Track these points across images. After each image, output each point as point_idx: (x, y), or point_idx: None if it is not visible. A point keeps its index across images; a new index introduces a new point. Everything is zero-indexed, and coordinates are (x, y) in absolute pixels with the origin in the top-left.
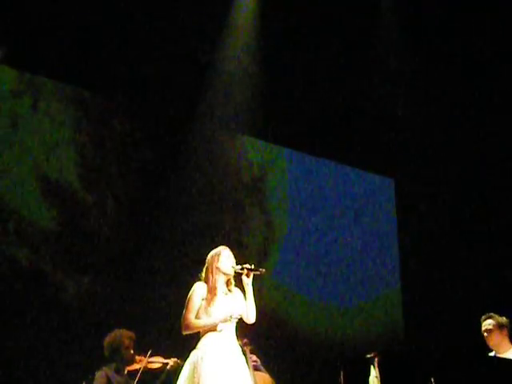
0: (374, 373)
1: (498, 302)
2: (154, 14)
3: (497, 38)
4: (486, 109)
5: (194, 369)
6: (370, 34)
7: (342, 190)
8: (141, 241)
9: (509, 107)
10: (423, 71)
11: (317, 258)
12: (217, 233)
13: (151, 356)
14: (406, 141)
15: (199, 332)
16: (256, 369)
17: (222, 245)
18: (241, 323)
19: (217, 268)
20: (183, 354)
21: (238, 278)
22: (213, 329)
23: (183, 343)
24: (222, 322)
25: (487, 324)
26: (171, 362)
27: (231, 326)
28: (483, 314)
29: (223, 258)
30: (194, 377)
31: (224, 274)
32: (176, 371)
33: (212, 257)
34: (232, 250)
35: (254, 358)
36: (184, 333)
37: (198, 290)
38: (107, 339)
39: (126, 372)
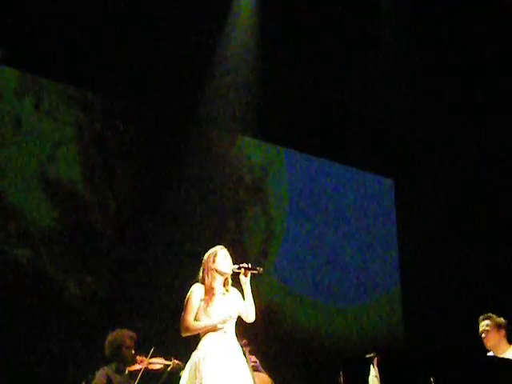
0: (373, 373)
1: (498, 302)
2: (154, 14)
3: (497, 38)
4: (486, 109)
5: (196, 369)
6: (369, 34)
7: (342, 190)
8: (142, 241)
9: (509, 107)
10: (423, 71)
11: (317, 258)
12: (217, 233)
13: (152, 356)
14: (406, 141)
15: (199, 333)
16: (255, 369)
17: (223, 244)
18: (240, 322)
19: (213, 269)
20: (184, 355)
21: (235, 277)
22: (213, 329)
23: (184, 344)
24: (220, 323)
25: (484, 325)
26: (172, 363)
27: (231, 325)
28: (482, 314)
29: (220, 259)
30: (195, 377)
31: (221, 274)
32: (177, 373)
33: (208, 257)
34: (232, 249)
35: (254, 358)
36: (183, 335)
37: (196, 292)
38: (108, 338)
39: (126, 372)
